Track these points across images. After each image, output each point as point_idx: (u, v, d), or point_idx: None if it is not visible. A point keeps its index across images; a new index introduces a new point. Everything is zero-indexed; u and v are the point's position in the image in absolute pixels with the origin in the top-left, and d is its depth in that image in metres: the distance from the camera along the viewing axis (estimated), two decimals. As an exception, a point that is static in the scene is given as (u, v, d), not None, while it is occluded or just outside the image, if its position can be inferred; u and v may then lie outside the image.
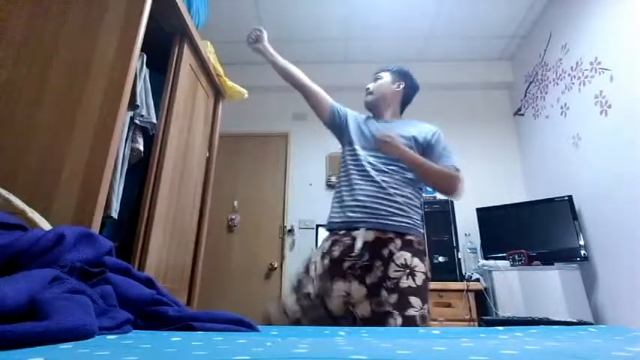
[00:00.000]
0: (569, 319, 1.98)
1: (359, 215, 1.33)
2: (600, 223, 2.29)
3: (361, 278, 1.26)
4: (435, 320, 2.32)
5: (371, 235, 1.29)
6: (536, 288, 2.24)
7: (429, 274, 1.34)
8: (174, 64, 1.58)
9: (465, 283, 2.39)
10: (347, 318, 1.26)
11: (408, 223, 1.34)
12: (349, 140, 1.51)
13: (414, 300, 1.24)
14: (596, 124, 2.32)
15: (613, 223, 2.17)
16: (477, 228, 2.77)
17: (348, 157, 1.48)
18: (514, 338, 0.66)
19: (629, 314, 2.03)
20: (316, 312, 1.25)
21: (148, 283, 0.72)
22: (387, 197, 1.34)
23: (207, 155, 1.95)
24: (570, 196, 2.45)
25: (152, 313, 0.68)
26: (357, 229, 1.31)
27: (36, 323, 0.42)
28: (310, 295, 1.27)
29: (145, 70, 1.50)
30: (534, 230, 2.55)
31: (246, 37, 1.66)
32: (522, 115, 3.29)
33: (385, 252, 1.28)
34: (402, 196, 1.36)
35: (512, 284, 2.29)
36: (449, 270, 2.48)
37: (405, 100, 1.60)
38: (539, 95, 3.02)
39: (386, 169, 1.39)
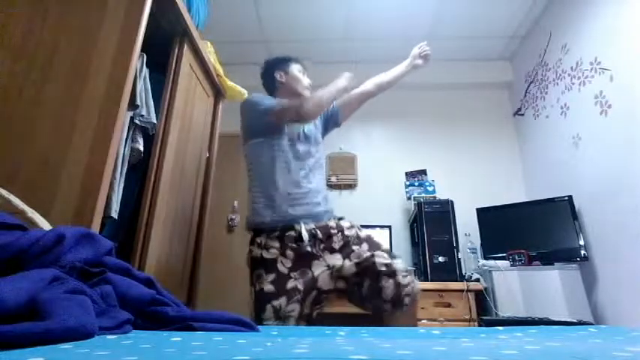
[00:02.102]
0: (569, 319, 1.98)
1: (292, 211, 1.37)
2: (600, 223, 2.29)
3: (330, 249, 1.36)
4: (435, 320, 2.32)
5: (312, 226, 1.37)
6: (536, 288, 2.24)
7: None
8: (174, 64, 1.58)
9: (465, 283, 2.39)
10: (338, 289, 1.35)
11: (330, 207, 1.47)
12: (281, 133, 1.47)
13: (377, 240, 1.44)
14: (596, 124, 2.32)
15: (613, 223, 2.17)
16: (477, 228, 2.77)
17: (277, 150, 1.44)
18: (514, 338, 0.66)
19: (629, 314, 2.03)
20: (312, 296, 1.31)
21: (148, 283, 0.72)
22: (318, 189, 1.45)
23: (207, 155, 1.95)
24: (570, 196, 2.45)
25: (152, 313, 0.68)
26: (293, 224, 1.35)
27: (36, 323, 0.42)
28: (298, 287, 1.28)
29: (145, 70, 1.50)
30: (534, 230, 2.54)
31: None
32: (522, 115, 3.29)
33: (332, 230, 1.40)
34: (323, 180, 1.51)
35: (512, 284, 2.29)
36: (449, 270, 2.48)
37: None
38: (539, 95, 3.02)
39: (312, 158, 1.49)
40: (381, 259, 1.34)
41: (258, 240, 1.37)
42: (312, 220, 1.38)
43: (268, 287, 1.28)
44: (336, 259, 1.35)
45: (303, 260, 1.33)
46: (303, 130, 1.52)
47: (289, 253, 1.33)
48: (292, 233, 1.34)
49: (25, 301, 0.46)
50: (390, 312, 1.30)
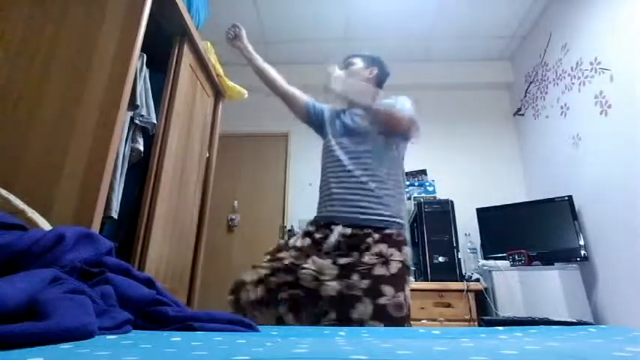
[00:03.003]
0: (569, 319, 1.98)
1: (337, 209, 1.34)
2: (600, 223, 2.29)
3: (334, 260, 1.27)
4: (435, 320, 2.32)
5: (348, 231, 1.29)
6: (536, 288, 2.24)
7: (407, 262, 1.31)
8: (174, 64, 1.58)
9: (465, 283, 2.39)
10: (313, 294, 1.23)
11: (386, 215, 1.32)
12: (325, 132, 1.55)
13: (387, 289, 1.21)
14: (596, 124, 2.32)
15: (613, 223, 2.17)
16: (477, 228, 2.77)
17: (324, 150, 1.51)
18: (514, 338, 0.66)
19: (629, 314, 2.03)
20: (284, 277, 1.26)
21: (148, 283, 0.72)
22: (362, 187, 1.33)
23: (207, 155, 1.95)
24: (570, 196, 2.45)
25: (152, 313, 0.68)
26: (335, 223, 1.32)
27: (36, 323, 0.42)
28: (284, 262, 1.29)
29: (145, 70, 1.50)
30: (534, 230, 2.54)
31: (225, 34, 1.65)
32: (522, 115, 3.29)
33: (363, 246, 1.28)
34: (379, 182, 1.34)
35: (512, 284, 2.29)
36: (449, 270, 2.48)
37: (378, 85, 1.60)
38: (539, 95, 3.02)
39: (358, 155, 1.40)
40: (360, 311, 1.16)
41: (306, 227, 1.43)
42: (349, 221, 1.31)
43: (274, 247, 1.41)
44: (330, 272, 1.24)
45: (311, 250, 1.32)
46: (344, 126, 1.50)
47: (307, 240, 1.35)
48: (327, 231, 1.33)
49: (25, 301, 0.46)
50: None
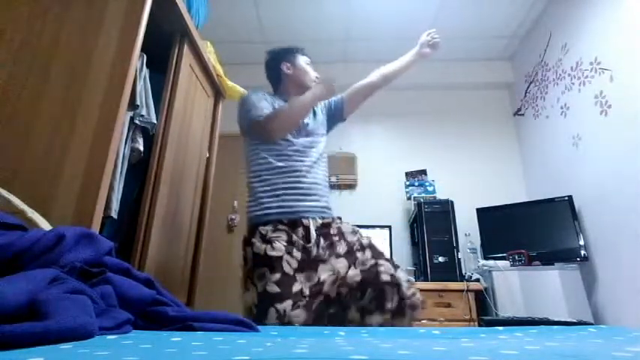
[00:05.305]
0: (569, 319, 1.98)
1: (303, 204, 1.35)
2: (600, 223, 2.29)
3: (335, 254, 1.32)
4: (435, 320, 2.32)
5: (318, 221, 1.35)
6: (536, 288, 2.24)
7: None
8: (174, 64, 1.58)
9: (465, 283, 2.39)
10: (343, 295, 1.28)
11: (331, 206, 1.45)
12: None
13: (379, 248, 1.40)
14: (596, 124, 2.32)
15: (613, 223, 2.17)
16: (477, 228, 2.77)
17: (270, 145, 1.42)
18: (514, 338, 0.66)
19: (629, 314, 2.03)
20: (319, 303, 1.23)
21: (148, 283, 0.72)
22: (320, 182, 1.42)
23: (207, 155, 1.95)
24: (570, 196, 2.45)
25: (152, 313, 0.68)
26: (301, 219, 1.33)
27: (36, 323, 0.42)
28: (304, 291, 1.20)
29: (145, 70, 1.50)
30: (534, 230, 2.54)
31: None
32: (522, 115, 3.29)
33: (333, 230, 1.37)
34: (326, 180, 1.47)
35: (512, 284, 2.29)
36: (449, 270, 2.48)
37: None
38: (539, 95, 3.02)
39: (309, 152, 1.44)
40: (385, 268, 1.30)
41: (263, 231, 1.29)
42: (318, 214, 1.36)
43: (272, 288, 1.18)
44: (341, 266, 1.29)
45: (310, 262, 1.26)
46: (305, 124, 1.48)
47: (296, 253, 1.26)
48: (301, 230, 1.30)
49: (25, 301, 0.46)
50: (389, 323, 1.24)
